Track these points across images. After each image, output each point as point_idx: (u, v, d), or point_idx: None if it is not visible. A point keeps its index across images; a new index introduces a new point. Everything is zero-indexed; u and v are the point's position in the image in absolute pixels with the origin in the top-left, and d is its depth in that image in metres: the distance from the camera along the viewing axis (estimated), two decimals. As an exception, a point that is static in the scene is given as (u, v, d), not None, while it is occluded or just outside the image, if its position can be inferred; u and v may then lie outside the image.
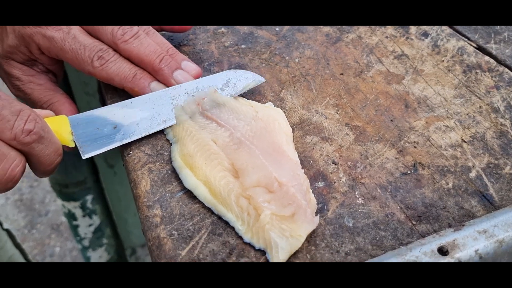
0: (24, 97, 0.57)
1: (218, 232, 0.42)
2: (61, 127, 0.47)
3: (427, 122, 0.51)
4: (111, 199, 1.21)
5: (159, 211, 0.43)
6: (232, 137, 0.47)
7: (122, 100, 0.52)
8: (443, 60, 0.58)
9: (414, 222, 0.42)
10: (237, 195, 0.43)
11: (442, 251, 0.39)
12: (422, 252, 0.39)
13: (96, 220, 1.19)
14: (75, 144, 0.48)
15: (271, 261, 0.39)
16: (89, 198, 1.14)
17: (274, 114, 0.50)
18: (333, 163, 0.47)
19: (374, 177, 0.46)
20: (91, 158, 1.09)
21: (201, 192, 0.44)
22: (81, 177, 1.10)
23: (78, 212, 1.16)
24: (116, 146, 0.49)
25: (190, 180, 0.44)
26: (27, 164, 0.44)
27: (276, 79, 0.57)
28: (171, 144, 0.49)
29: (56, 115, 0.53)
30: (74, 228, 1.19)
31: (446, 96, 0.54)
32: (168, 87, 0.53)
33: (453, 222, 0.42)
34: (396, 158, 0.48)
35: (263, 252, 0.40)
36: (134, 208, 1.22)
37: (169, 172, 0.47)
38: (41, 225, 1.72)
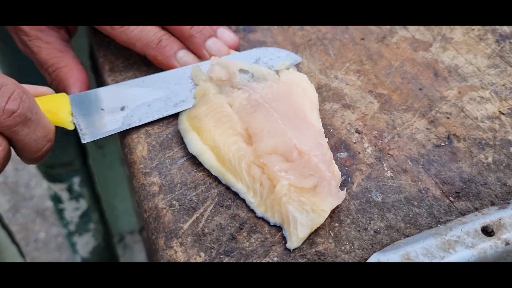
0: (31, 56, 0.49)
1: (226, 204, 0.36)
2: (60, 106, 0.40)
3: (459, 92, 0.45)
4: (99, 182, 1.14)
5: (158, 178, 0.37)
6: (250, 100, 0.40)
7: (125, 73, 0.45)
8: (473, 29, 0.53)
9: (452, 199, 0.37)
10: (248, 163, 0.37)
11: (487, 231, 0.34)
12: (464, 231, 0.34)
13: (83, 204, 1.12)
14: (75, 126, 0.41)
15: (288, 238, 0.34)
16: (76, 180, 1.07)
17: (298, 79, 0.44)
18: (356, 132, 0.42)
19: (404, 149, 0.40)
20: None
21: (207, 158, 0.38)
22: (69, 158, 1.03)
23: (65, 195, 1.09)
24: (122, 130, 0.41)
25: (196, 145, 0.38)
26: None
27: (290, 42, 0.51)
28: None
29: (62, 83, 0.45)
30: (60, 212, 1.12)
31: (479, 65, 0.48)
32: (199, 57, 0.46)
33: (496, 199, 0.37)
34: (427, 129, 0.42)
35: (278, 228, 0.35)
36: (123, 194, 1.15)
37: (169, 136, 0.41)
38: (26, 210, 1.64)
